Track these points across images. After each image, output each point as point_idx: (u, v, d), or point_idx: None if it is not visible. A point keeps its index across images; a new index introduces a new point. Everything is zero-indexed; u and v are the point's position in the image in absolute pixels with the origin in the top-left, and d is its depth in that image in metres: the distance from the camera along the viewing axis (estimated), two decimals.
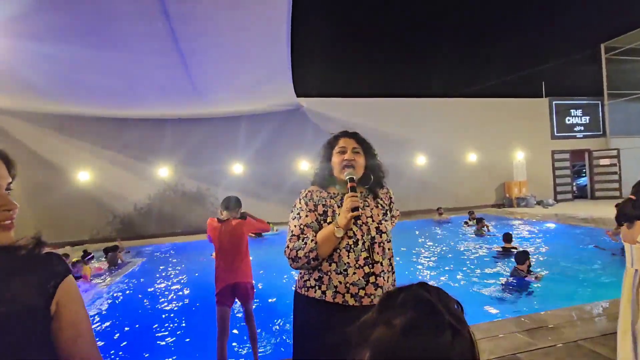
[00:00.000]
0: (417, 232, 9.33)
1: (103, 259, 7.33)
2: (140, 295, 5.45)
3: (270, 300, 4.94)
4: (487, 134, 13.42)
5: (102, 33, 5.51)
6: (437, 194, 12.76)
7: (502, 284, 4.96)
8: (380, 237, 1.54)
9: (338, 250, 1.48)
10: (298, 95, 10.14)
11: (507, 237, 6.60)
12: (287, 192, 11.02)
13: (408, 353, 0.49)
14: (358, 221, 1.51)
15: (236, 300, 3.05)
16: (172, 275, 6.54)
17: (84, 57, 6.28)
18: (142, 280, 6.28)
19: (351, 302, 1.45)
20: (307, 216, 1.55)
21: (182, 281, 6.15)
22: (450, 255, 6.94)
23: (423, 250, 7.47)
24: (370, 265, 1.48)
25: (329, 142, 1.69)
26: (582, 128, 14.62)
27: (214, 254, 3.20)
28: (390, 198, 1.72)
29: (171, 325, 4.26)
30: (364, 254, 1.48)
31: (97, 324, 4.31)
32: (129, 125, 10.67)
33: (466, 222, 9.81)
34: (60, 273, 0.83)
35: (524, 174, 13.61)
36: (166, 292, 5.57)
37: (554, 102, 14.34)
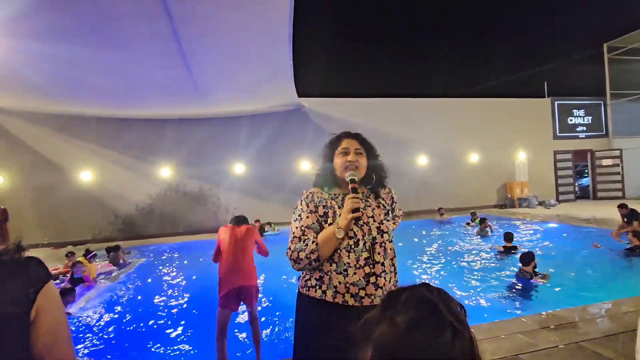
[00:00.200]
0: (418, 232, 9.31)
1: (105, 259, 7.34)
2: (141, 295, 5.46)
3: (271, 299, 4.94)
4: (488, 134, 13.38)
5: (103, 33, 5.53)
6: (438, 194, 12.74)
7: (507, 285, 4.94)
8: (382, 237, 1.54)
9: (338, 251, 1.49)
10: (299, 95, 10.14)
11: (508, 237, 6.58)
12: (288, 192, 11.02)
13: (410, 351, 0.50)
14: (359, 221, 1.51)
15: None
16: (173, 276, 6.55)
17: (85, 57, 6.30)
18: (143, 280, 6.29)
19: (351, 302, 1.45)
20: (307, 217, 1.55)
21: (183, 281, 6.15)
22: (451, 256, 6.93)
23: (424, 251, 7.45)
24: (371, 266, 1.47)
25: (331, 143, 1.68)
26: (585, 128, 14.57)
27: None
28: (392, 198, 1.72)
29: (172, 326, 4.26)
30: (365, 254, 1.48)
31: (98, 324, 4.31)
32: (131, 125, 10.69)
33: (468, 223, 9.79)
34: (41, 279, 0.82)
35: (526, 175, 13.57)
36: (167, 292, 5.57)
37: (556, 102, 14.30)
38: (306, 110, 11.77)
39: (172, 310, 4.77)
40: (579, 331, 2.91)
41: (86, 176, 10.33)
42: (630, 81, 14.07)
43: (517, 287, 4.86)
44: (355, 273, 1.46)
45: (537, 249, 6.84)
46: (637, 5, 13.84)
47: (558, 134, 14.27)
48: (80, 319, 4.45)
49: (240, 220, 3.31)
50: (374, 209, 1.60)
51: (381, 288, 1.47)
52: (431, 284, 0.60)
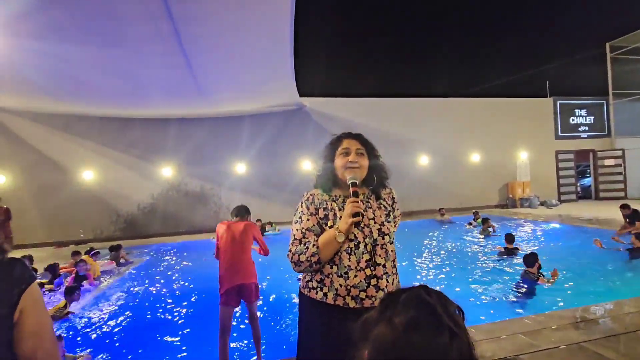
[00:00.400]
0: (419, 233, 9.31)
1: (107, 257, 7.37)
2: (143, 294, 5.48)
3: (272, 299, 4.95)
4: (490, 134, 13.36)
5: (106, 33, 5.55)
6: (439, 194, 12.73)
7: (508, 286, 4.94)
8: (383, 239, 1.53)
9: (339, 254, 1.48)
10: (301, 95, 10.15)
11: (509, 238, 6.58)
12: (289, 192, 11.04)
13: (407, 352, 0.51)
14: (360, 224, 1.51)
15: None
16: (175, 275, 6.57)
17: (88, 57, 6.33)
18: (145, 279, 6.31)
19: (352, 304, 1.45)
20: (308, 220, 1.55)
21: (185, 280, 6.17)
22: (452, 256, 6.93)
23: (425, 251, 7.45)
24: (372, 268, 1.47)
25: (332, 143, 1.67)
26: (587, 128, 14.52)
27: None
28: (393, 198, 1.71)
29: (174, 324, 4.28)
30: (366, 256, 1.48)
31: (100, 323, 4.33)
32: (133, 124, 10.73)
33: (470, 223, 9.77)
34: (25, 280, 0.81)
35: (528, 175, 13.54)
36: (169, 291, 5.60)
37: (558, 102, 14.26)
38: (307, 110, 11.77)
39: (174, 309, 4.78)
40: (580, 332, 2.91)
41: (88, 175, 10.37)
42: (633, 81, 14.01)
43: (518, 287, 4.85)
44: (356, 276, 1.46)
45: (539, 249, 6.84)
46: None
47: (560, 134, 14.22)
48: (83, 317, 4.47)
49: (241, 211, 3.24)
50: (375, 210, 1.59)
51: (382, 290, 1.47)
52: (430, 286, 0.60)
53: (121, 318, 4.51)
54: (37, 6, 4.62)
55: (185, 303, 5.02)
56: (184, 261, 7.63)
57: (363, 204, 1.55)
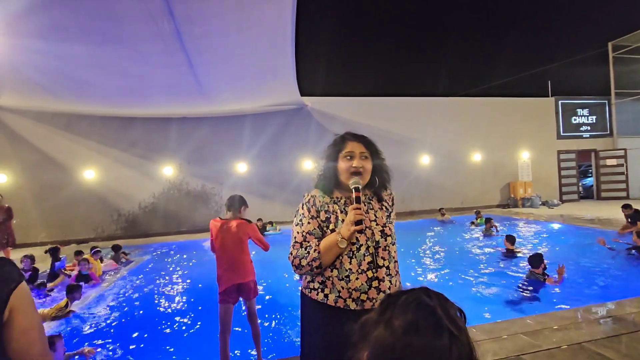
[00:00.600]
0: (421, 232, 9.30)
1: (108, 256, 7.39)
2: (145, 293, 5.49)
3: (272, 298, 4.96)
4: (492, 134, 13.33)
5: (108, 33, 5.55)
6: (441, 194, 12.71)
7: (510, 286, 4.92)
8: (385, 240, 1.52)
9: (340, 257, 1.47)
10: (302, 94, 10.14)
11: (510, 240, 6.57)
12: (291, 191, 11.05)
13: (406, 354, 0.50)
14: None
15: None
16: (176, 273, 6.58)
17: (90, 56, 6.33)
18: (146, 277, 6.32)
19: (353, 306, 1.45)
20: (309, 223, 1.53)
21: (186, 279, 6.18)
22: (454, 256, 6.92)
23: (426, 251, 7.45)
24: (373, 270, 1.46)
25: (335, 144, 1.63)
26: (589, 128, 14.48)
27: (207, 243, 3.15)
28: (393, 199, 1.70)
29: (175, 323, 4.29)
30: (368, 258, 1.47)
31: (101, 321, 4.35)
32: (135, 124, 10.74)
33: (473, 222, 9.77)
34: (14, 279, 0.81)
35: (529, 174, 13.51)
36: (170, 290, 5.61)
37: (560, 102, 14.22)
38: (309, 109, 11.77)
39: (175, 308, 4.80)
40: (581, 332, 2.91)
41: (90, 174, 10.39)
42: (635, 80, 13.96)
43: (523, 288, 4.85)
44: (357, 278, 1.45)
45: (540, 249, 6.83)
46: None
47: (562, 134, 14.19)
48: (84, 315, 4.49)
49: (234, 203, 3.09)
50: (376, 211, 1.58)
51: (383, 292, 1.47)
52: (430, 288, 0.59)
53: (122, 317, 4.52)
54: (38, 6, 4.63)
55: (186, 302, 5.03)
56: (185, 260, 7.64)
57: (365, 205, 1.54)
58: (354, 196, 1.47)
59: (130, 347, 3.71)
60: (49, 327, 4.06)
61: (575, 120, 14.37)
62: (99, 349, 3.61)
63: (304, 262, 1.47)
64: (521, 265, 5.97)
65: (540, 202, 12.88)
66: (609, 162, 14.09)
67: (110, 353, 3.59)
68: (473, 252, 7.09)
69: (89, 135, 10.50)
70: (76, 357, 3.33)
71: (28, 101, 9.22)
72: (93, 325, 4.25)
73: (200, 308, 4.69)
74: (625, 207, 7.42)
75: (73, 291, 4.52)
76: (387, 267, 1.49)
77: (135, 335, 3.98)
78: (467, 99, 13.79)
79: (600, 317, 3.23)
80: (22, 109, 9.81)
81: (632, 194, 13.56)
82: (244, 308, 3.21)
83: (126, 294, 5.46)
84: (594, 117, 14.51)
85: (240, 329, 3.70)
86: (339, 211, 1.54)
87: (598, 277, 5.17)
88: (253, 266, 3.11)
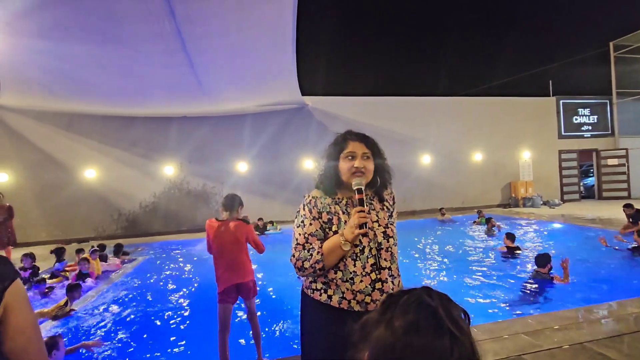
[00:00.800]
0: (422, 232, 9.29)
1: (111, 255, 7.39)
2: (145, 292, 5.49)
3: (273, 297, 4.96)
4: (493, 134, 13.31)
5: (109, 32, 5.56)
6: (442, 193, 12.70)
7: (511, 286, 4.91)
8: (388, 242, 1.51)
9: (344, 259, 1.46)
10: (303, 94, 10.14)
11: (510, 237, 6.56)
12: (291, 190, 11.05)
13: (406, 355, 0.50)
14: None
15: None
16: (177, 273, 6.59)
17: (91, 55, 6.34)
18: (147, 277, 6.33)
19: (357, 308, 1.44)
20: (311, 225, 1.51)
21: (186, 278, 6.19)
22: (454, 255, 6.91)
23: (428, 250, 7.44)
24: (377, 272, 1.46)
25: (336, 143, 1.59)
26: (590, 127, 14.44)
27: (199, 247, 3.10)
28: (394, 198, 1.68)
29: (175, 322, 4.29)
30: (371, 260, 1.46)
31: (102, 320, 4.35)
32: (135, 123, 10.75)
33: (475, 222, 9.77)
34: (8, 277, 0.80)
35: (531, 174, 13.49)
36: (170, 289, 5.61)
37: (561, 101, 14.19)
38: (309, 108, 11.76)
39: (176, 307, 4.79)
40: (582, 332, 2.90)
41: (91, 174, 10.40)
42: (637, 80, 13.92)
43: (521, 287, 4.84)
44: (361, 281, 1.44)
45: (541, 249, 6.82)
46: None
47: (563, 133, 14.16)
48: (85, 314, 4.49)
49: (230, 204, 3.00)
50: (378, 212, 1.56)
51: (386, 293, 1.45)
52: (433, 288, 0.58)
53: (122, 316, 4.52)
54: (39, 5, 4.63)
55: (186, 301, 5.03)
56: (186, 259, 7.65)
57: (366, 206, 1.51)
58: (357, 198, 1.45)
59: (130, 346, 3.71)
60: (50, 326, 4.06)
61: (576, 120, 14.34)
62: (106, 343, 3.61)
63: (306, 265, 1.45)
64: (522, 264, 5.97)
65: (542, 202, 12.86)
66: (611, 161, 14.05)
67: (111, 352, 3.59)
68: (474, 252, 7.08)
69: (90, 135, 10.51)
70: (80, 349, 3.34)
71: (29, 101, 9.23)
72: (93, 324, 4.25)
73: (200, 307, 4.69)
74: (627, 206, 7.40)
75: (73, 290, 4.53)
76: (390, 269, 1.48)
77: (135, 334, 3.98)
78: (470, 98, 13.77)
79: (602, 317, 3.22)
80: (23, 109, 9.82)
81: (633, 193, 13.53)
82: (243, 307, 3.21)
83: (126, 293, 5.46)
84: (596, 117, 14.48)
85: (240, 329, 3.70)
86: (341, 212, 1.52)
87: (599, 277, 5.15)
88: (252, 266, 3.11)
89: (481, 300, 4.56)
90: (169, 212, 10.92)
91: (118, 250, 7.45)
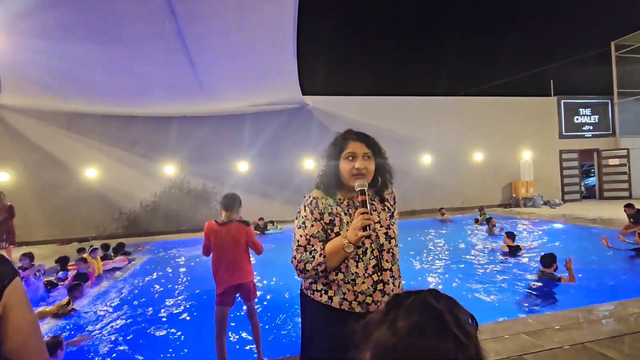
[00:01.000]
0: (422, 231, 9.29)
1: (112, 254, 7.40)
2: (144, 292, 5.49)
3: (272, 297, 4.95)
4: (494, 133, 13.30)
5: (109, 32, 5.56)
6: (442, 193, 12.69)
7: (512, 286, 4.90)
8: (389, 242, 1.50)
9: (346, 261, 1.45)
10: (304, 93, 10.14)
11: (510, 236, 6.55)
12: (292, 190, 11.04)
13: (408, 355, 0.49)
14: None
15: (237, 298, 3.06)
16: (176, 272, 6.59)
17: (91, 55, 6.34)
18: (147, 276, 6.33)
19: (358, 309, 1.43)
20: (312, 226, 1.49)
21: (186, 278, 6.19)
22: (455, 255, 6.90)
23: (428, 250, 7.43)
24: (378, 273, 1.45)
25: (336, 143, 1.56)
26: (591, 127, 14.42)
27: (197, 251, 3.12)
28: (394, 198, 1.66)
29: (175, 322, 4.29)
30: (373, 262, 1.45)
31: (102, 320, 4.35)
32: (136, 122, 10.75)
33: (477, 220, 9.76)
34: (7, 275, 0.79)
35: (531, 174, 13.48)
36: (171, 289, 5.61)
37: (562, 101, 14.17)
38: (310, 108, 11.76)
39: (176, 307, 4.79)
40: (584, 332, 2.89)
41: (91, 173, 10.41)
42: (638, 80, 13.90)
43: (522, 287, 4.83)
44: (363, 282, 1.43)
45: (542, 249, 6.81)
46: None
47: (564, 133, 14.14)
48: (86, 313, 4.49)
49: (229, 205, 2.96)
50: (379, 212, 1.55)
51: (388, 295, 1.45)
52: (440, 290, 0.57)
53: (123, 315, 4.52)
54: (40, 5, 4.64)
55: (187, 301, 5.03)
56: (186, 259, 7.65)
57: (368, 207, 1.50)
58: (359, 200, 1.43)
59: (131, 345, 3.71)
60: (51, 325, 4.07)
61: (577, 119, 14.31)
62: (108, 343, 3.61)
63: (308, 267, 1.44)
64: (523, 264, 5.96)
65: (542, 202, 12.85)
66: (612, 161, 14.03)
67: (111, 351, 3.59)
68: (475, 251, 7.07)
69: (90, 134, 10.51)
70: (70, 347, 3.33)
71: (30, 100, 9.24)
72: (94, 323, 4.25)
73: (200, 307, 4.69)
74: (628, 206, 7.39)
75: (74, 289, 4.53)
76: (391, 270, 1.48)
77: (135, 333, 3.98)
78: (471, 98, 13.75)
79: (603, 317, 3.21)
80: (24, 108, 9.83)
81: (634, 193, 13.51)
82: (244, 308, 3.20)
83: (127, 293, 5.46)
84: (597, 117, 14.45)
85: (240, 329, 3.70)
86: (342, 213, 1.50)
87: (600, 277, 5.14)
88: (252, 267, 3.10)
89: (483, 300, 4.55)
90: (169, 212, 10.92)
91: (118, 249, 7.45)
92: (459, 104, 13.42)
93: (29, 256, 5.93)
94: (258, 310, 3.26)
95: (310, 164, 11.28)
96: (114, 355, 3.53)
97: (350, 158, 1.49)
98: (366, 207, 1.41)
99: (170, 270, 6.75)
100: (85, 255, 6.15)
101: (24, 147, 10.06)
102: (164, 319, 4.39)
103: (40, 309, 4.35)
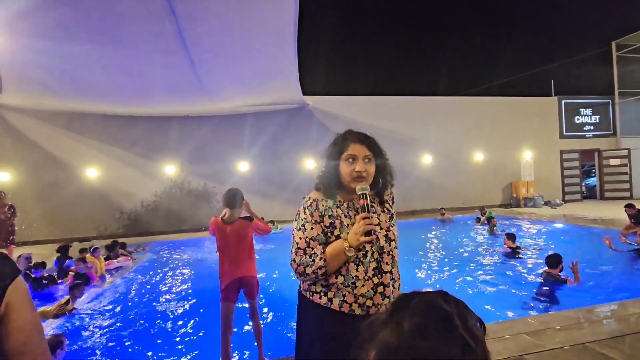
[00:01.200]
0: (422, 232, 9.28)
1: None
2: (146, 291, 5.50)
3: (274, 296, 4.95)
4: (494, 133, 13.29)
5: (109, 32, 5.56)
6: (443, 193, 12.68)
7: (514, 286, 4.89)
8: (389, 245, 1.49)
9: (346, 264, 1.43)
10: (304, 93, 10.14)
11: (511, 237, 6.54)
12: (292, 190, 11.04)
13: (413, 357, 0.48)
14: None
15: (240, 296, 3.06)
16: (178, 272, 6.59)
17: (92, 55, 6.34)
18: (148, 276, 6.33)
19: (358, 311, 1.42)
20: (312, 229, 1.47)
21: (187, 277, 6.19)
22: (456, 255, 6.89)
23: (428, 250, 7.43)
24: (379, 276, 1.44)
25: (336, 144, 1.53)
26: (592, 127, 14.40)
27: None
28: (393, 198, 1.65)
29: (176, 321, 4.29)
30: (373, 264, 1.44)
31: (104, 319, 4.35)
32: (136, 122, 10.76)
33: (478, 219, 9.75)
34: (8, 274, 0.79)
35: (532, 174, 13.46)
36: (172, 288, 5.61)
37: (563, 101, 14.15)
38: (310, 108, 11.76)
39: (177, 305, 4.80)
40: (585, 332, 2.89)
41: (92, 173, 10.41)
42: (639, 80, 13.87)
43: (523, 287, 4.82)
44: (364, 285, 1.42)
45: (543, 249, 6.80)
46: None
47: (565, 133, 14.12)
48: (87, 313, 4.50)
49: (231, 201, 2.94)
50: (379, 215, 1.53)
51: (388, 297, 1.44)
52: (450, 293, 0.56)
53: (124, 315, 4.52)
54: (40, 5, 4.64)
55: (188, 300, 5.03)
56: (187, 259, 7.65)
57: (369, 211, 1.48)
58: (361, 204, 1.41)
59: (133, 344, 3.71)
60: (52, 325, 4.07)
61: (578, 119, 14.29)
62: (108, 342, 3.61)
63: (308, 270, 1.42)
64: (524, 264, 5.95)
65: (543, 202, 12.83)
66: (613, 162, 14.01)
67: (112, 350, 3.59)
68: (476, 252, 7.07)
69: (90, 134, 10.52)
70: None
71: (30, 100, 9.24)
72: (95, 322, 4.26)
73: (202, 306, 4.69)
74: (629, 207, 7.37)
75: (74, 289, 4.54)
76: (391, 272, 1.47)
77: (137, 332, 3.98)
78: (471, 98, 13.73)
79: (604, 317, 3.20)
80: (25, 108, 9.84)
81: (635, 194, 13.48)
82: (247, 306, 3.21)
83: (128, 292, 5.47)
84: (597, 117, 14.43)
85: (242, 328, 3.70)
86: (343, 216, 1.49)
87: (601, 278, 5.14)
88: (255, 265, 3.11)
89: (483, 300, 4.54)
90: (170, 212, 10.93)
91: (121, 248, 7.43)
92: (459, 104, 13.40)
93: (27, 258, 5.95)
94: (259, 308, 3.26)
95: (311, 164, 11.28)
96: (117, 355, 3.53)
97: (351, 160, 1.47)
98: (368, 212, 1.39)
99: (171, 270, 6.75)
100: (87, 255, 6.15)
101: (24, 147, 10.06)
102: (166, 318, 4.39)
103: (40, 308, 4.36)
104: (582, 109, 14.33)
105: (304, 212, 1.51)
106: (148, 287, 5.74)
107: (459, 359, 0.47)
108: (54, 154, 10.25)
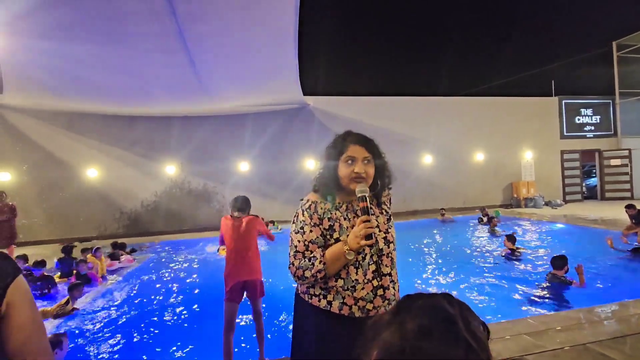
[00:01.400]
0: (422, 232, 9.27)
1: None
2: (147, 291, 5.49)
3: (273, 297, 4.94)
4: (495, 134, 13.28)
5: (110, 32, 5.57)
6: (443, 193, 12.67)
7: (514, 286, 4.88)
8: (388, 247, 1.48)
9: (346, 267, 1.42)
10: (305, 94, 10.13)
11: (511, 239, 6.53)
12: (292, 190, 11.04)
13: (416, 358, 0.47)
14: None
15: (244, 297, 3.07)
16: (178, 272, 6.59)
17: (92, 55, 6.35)
18: (149, 276, 6.33)
19: (357, 314, 1.41)
20: (311, 231, 1.45)
21: (188, 277, 6.19)
22: (456, 255, 6.88)
23: (429, 250, 7.42)
24: (378, 279, 1.43)
25: (335, 145, 1.52)
26: (593, 128, 14.38)
27: (220, 248, 3.22)
28: (390, 199, 1.64)
29: (178, 320, 4.29)
30: (372, 267, 1.43)
31: (104, 319, 4.35)
32: (137, 122, 10.76)
33: (480, 219, 9.76)
34: (9, 273, 0.79)
35: (532, 174, 13.45)
36: (173, 288, 5.61)
37: (563, 101, 14.13)
38: (311, 108, 11.76)
39: (178, 305, 4.79)
40: (585, 332, 2.88)
41: (92, 173, 10.42)
42: None
43: (523, 287, 4.81)
44: (363, 288, 1.41)
45: (544, 249, 6.79)
46: None
47: (565, 134, 14.11)
48: (88, 313, 4.49)
49: (242, 205, 3.14)
50: (377, 216, 1.52)
51: (387, 300, 1.44)
52: (454, 296, 0.56)
53: (125, 314, 4.52)
54: (40, 5, 4.64)
55: (190, 300, 5.03)
56: (188, 259, 7.65)
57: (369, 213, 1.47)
58: (361, 206, 1.40)
59: (134, 344, 3.71)
60: (52, 325, 4.07)
61: (579, 120, 14.28)
62: (109, 342, 3.60)
63: (307, 274, 1.41)
64: (525, 265, 5.94)
65: (544, 202, 12.82)
66: (613, 162, 13.99)
67: (114, 350, 3.59)
68: (476, 252, 7.06)
69: (91, 134, 10.53)
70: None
71: (31, 100, 9.25)
72: (95, 322, 4.25)
73: (203, 306, 4.69)
74: (629, 207, 7.36)
75: (73, 289, 4.53)
76: (390, 275, 1.46)
77: (138, 332, 3.98)
78: (471, 98, 13.72)
79: (605, 317, 3.20)
80: (25, 108, 9.84)
81: (636, 194, 13.47)
82: (249, 304, 3.21)
83: (129, 292, 5.46)
84: (598, 117, 14.41)
85: (242, 328, 3.69)
86: (342, 218, 1.47)
87: (602, 278, 5.13)
88: (260, 265, 3.12)
89: (484, 300, 4.54)
90: (170, 212, 10.93)
91: (120, 248, 7.43)
92: (459, 104, 13.39)
93: (23, 258, 5.95)
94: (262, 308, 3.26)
95: (311, 164, 11.28)
96: (117, 355, 3.52)
97: (350, 161, 1.45)
98: (368, 215, 1.37)
99: (172, 270, 6.74)
100: (88, 256, 6.15)
101: (25, 147, 10.07)
102: (167, 319, 4.39)
103: (41, 309, 4.36)
104: (582, 109, 14.31)
105: (303, 214, 1.49)
106: (149, 287, 5.74)
107: (462, 359, 0.47)
108: (55, 154, 10.25)
